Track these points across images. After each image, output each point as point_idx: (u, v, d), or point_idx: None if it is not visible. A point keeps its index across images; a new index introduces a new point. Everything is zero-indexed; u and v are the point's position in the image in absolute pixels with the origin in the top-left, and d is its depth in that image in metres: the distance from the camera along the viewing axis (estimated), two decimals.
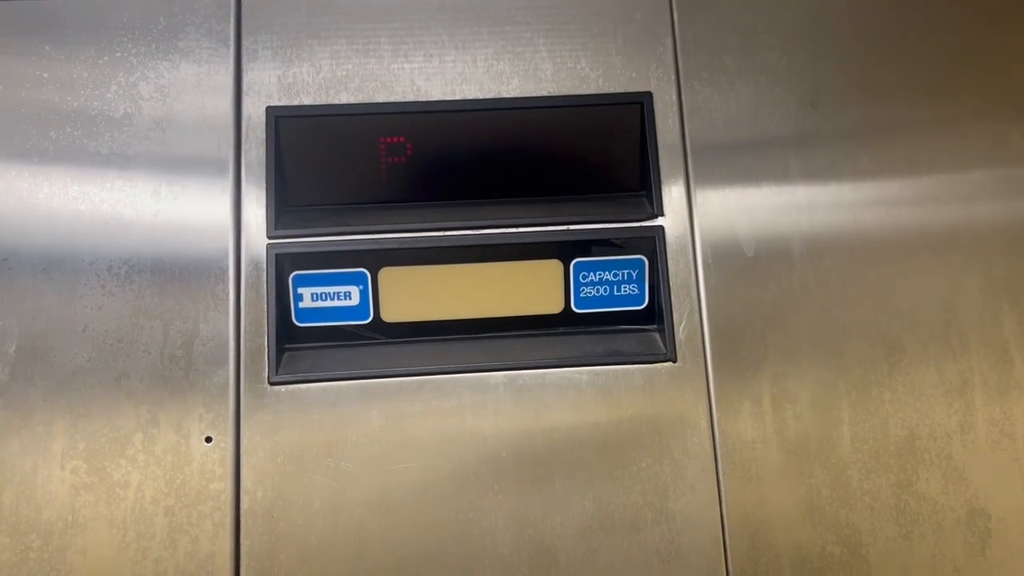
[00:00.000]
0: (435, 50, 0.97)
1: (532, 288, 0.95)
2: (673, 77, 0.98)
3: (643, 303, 0.96)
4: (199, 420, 0.88)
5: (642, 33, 0.99)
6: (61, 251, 0.90)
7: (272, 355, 0.90)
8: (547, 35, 0.98)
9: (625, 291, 0.96)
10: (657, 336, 0.95)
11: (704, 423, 0.92)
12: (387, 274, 0.94)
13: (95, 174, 0.92)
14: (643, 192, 0.97)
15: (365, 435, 0.89)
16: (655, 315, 0.96)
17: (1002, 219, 0.98)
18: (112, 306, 0.89)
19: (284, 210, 0.94)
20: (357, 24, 0.97)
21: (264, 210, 0.93)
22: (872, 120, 0.99)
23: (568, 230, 0.95)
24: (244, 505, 0.87)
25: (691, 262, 0.95)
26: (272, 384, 0.89)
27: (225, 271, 0.91)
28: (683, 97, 0.98)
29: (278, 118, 0.94)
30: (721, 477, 0.91)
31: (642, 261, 0.96)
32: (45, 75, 0.93)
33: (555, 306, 0.95)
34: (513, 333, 0.95)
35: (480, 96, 0.97)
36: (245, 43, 0.96)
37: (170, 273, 0.90)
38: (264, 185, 0.93)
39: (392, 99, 0.96)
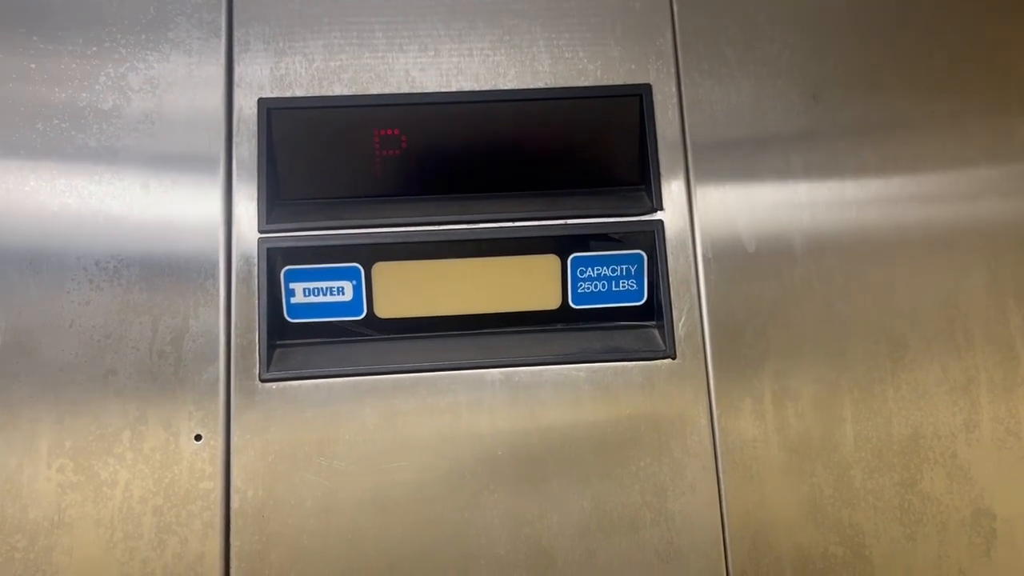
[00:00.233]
0: (431, 41, 0.96)
1: (529, 283, 0.93)
2: (673, 69, 0.97)
3: (642, 299, 0.94)
4: (188, 418, 0.86)
5: (641, 24, 0.97)
6: (48, 245, 0.88)
7: (263, 351, 0.88)
8: (544, 26, 0.97)
9: (624, 287, 0.94)
10: (656, 332, 0.94)
11: (704, 421, 0.90)
12: (381, 269, 0.92)
13: (83, 167, 0.90)
14: (642, 186, 0.96)
15: (358, 433, 0.88)
16: (654, 311, 0.94)
17: (1007, 214, 0.97)
18: (100, 301, 0.88)
19: (276, 204, 0.93)
20: (351, 15, 0.96)
21: (255, 204, 0.91)
22: (875, 114, 0.97)
23: (566, 224, 0.93)
24: (234, 504, 0.86)
25: (691, 257, 0.93)
26: (263, 381, 0.88)
27: (215, 266, 0.89)
28: (683, 89, 0.96)
29: (270, 110, 0.92)
30: (721, 476, 0.89)
31: (641, 256, 0.94)
32: (33, 66, 0.91)
33: (552, 302, 0.94)
34: (510, 329, 0.94)
35: (476, 88, 0.95)
36: (237, 34, 0.94)
37: (159, 268, 0.89)
38: (256, 178, 0.91)
39: (387, 91, 0.94)
